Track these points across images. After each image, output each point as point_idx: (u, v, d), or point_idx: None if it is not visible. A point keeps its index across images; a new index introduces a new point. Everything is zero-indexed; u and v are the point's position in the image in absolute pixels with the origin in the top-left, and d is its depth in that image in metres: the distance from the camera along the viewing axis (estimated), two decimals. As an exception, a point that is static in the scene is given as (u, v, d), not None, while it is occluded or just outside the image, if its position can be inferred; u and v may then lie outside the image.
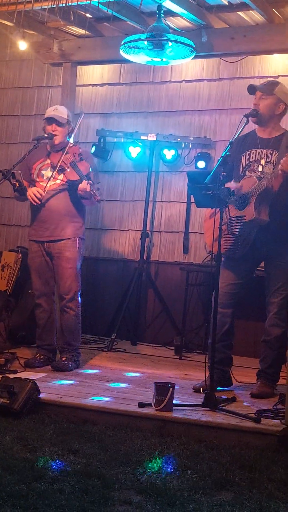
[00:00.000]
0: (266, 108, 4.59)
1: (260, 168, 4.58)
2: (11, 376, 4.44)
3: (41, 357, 5.26)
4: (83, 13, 6.12)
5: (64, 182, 5.17)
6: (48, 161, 5.26)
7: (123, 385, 4.81)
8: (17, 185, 5.04)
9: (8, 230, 7.43)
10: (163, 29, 5.37)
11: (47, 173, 5.22)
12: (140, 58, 5.65)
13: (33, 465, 3.23)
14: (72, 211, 5.23)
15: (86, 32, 6.44)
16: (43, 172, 5.24)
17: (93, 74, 7.13)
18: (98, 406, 4.15)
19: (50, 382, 4.68)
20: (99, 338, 6.59)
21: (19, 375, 4.65)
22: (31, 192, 5.14)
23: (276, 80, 5.04)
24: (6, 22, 6.26)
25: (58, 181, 5.18)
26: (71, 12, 5.91)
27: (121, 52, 5.56)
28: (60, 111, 5.26)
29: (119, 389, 4.66)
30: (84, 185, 5.01)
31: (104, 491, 2.98)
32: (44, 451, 3.44)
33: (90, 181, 5.03)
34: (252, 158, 4.62)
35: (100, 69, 7.08)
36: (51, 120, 5.22)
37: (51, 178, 5.16)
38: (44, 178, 5.20)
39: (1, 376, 4.38)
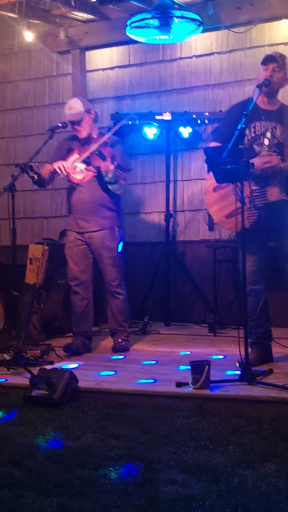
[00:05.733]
0: (278, 81, 4.52)
1: (266, 142, 4.50)
2: (48, 367, 4.48)
3: (79, 342, 5.32)
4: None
5: (96, 172, 5.18)
6: (77, 155, 5.27)
7: (159, 366, 4.82)
8: (36, 178, 5.07)
9: (33, 222, 7.46)
10: (168, 6, 5.32)
11: (80, 165, 5.24)
12: (147, 37, 5.60)
13: (77, 453, 3.26)
14: (108, 201, 5.29)
15: (90, 16, 6.38)
16: (76, 164, 5.26)
17: (102, 58, 7.09)
18: (136, 389, 4.17)
19: (87, 370, 4.71)
20: (132, 322, 6.59)
21: (56, 365, 4.70)
22: (57, 165, 5.18)
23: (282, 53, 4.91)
24: (10, 14, 6.23)
25: (91, 173, 5.22)
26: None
27: (128, 33, 5.52)
28: (74, 107, 5.24)
29: (156, 370, 4.67)
30: (107, 165, 5.01)
31: (148, 473, 2.99)
32: (86, 438, 3.47)
33: (115, 162, 5.04)
34: (258, 131, 4.54)
35: (109, 52, 7.03)
36: (71, 123, 5.26)
37: (84, 171, 5.21)
38: (77, 169, 5.23)
39: (38, 367, 4.43)
